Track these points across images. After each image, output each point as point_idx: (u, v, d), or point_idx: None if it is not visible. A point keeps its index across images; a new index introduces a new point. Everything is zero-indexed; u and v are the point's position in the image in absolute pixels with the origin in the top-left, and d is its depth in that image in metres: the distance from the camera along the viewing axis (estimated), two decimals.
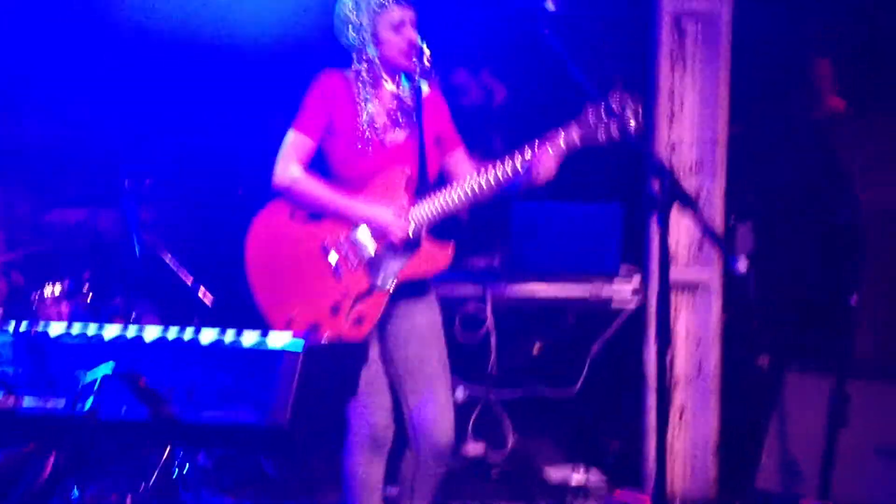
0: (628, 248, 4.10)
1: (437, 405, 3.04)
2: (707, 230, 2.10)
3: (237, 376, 1.59)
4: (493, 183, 2.86)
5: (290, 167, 2.95)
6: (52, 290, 3.68)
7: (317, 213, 2.98)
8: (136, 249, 3.73)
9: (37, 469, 1.51)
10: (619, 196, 4.09)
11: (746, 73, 4.13)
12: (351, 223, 2.97)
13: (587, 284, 4.05)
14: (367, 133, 2.96)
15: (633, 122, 2.66)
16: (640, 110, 2.67)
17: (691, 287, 4.02)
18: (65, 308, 3.77)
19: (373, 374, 3.02)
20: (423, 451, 3.08)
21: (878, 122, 4.28)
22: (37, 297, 3.64)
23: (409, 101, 3.02)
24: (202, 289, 4.01)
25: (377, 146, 2.98)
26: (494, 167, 2.87)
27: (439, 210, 2.93)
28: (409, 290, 3.01)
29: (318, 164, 3.07)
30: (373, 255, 2.94)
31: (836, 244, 4.10)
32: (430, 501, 3.18)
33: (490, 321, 4.02)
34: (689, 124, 3.92)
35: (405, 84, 3.03)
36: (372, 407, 3.02)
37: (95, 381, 1.54)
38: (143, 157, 4.63)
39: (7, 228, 4.20)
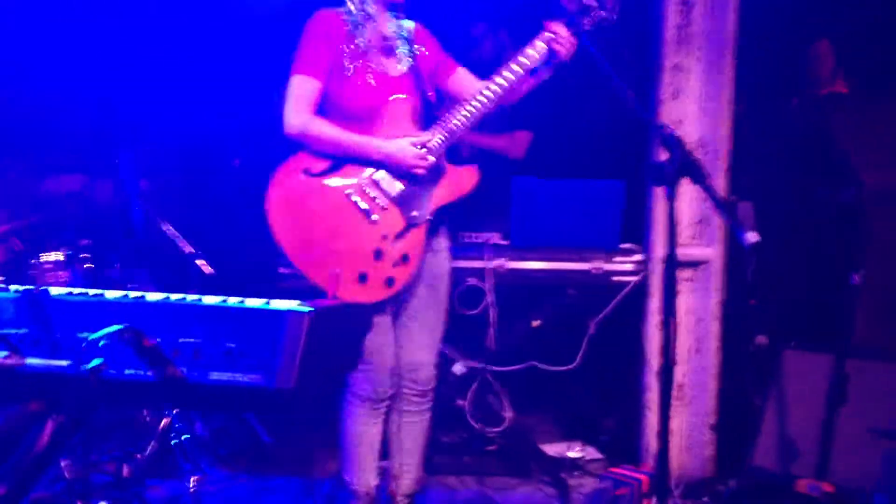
0: (628, 228, 4.09)
1: (426, 351, 3.15)
2: (717, 201, 2.08)
3: (243, 338, 1.58)
4: (515, 74, 2.86)
5: (300, 112, 2.93)
6: (51, 257, 3.65)
7: (332, 164, 2.94)
8: (135, 218, 3.70)
9: (40, 428, 1.50)
10: (619, 175, 4.08)
11: (751, 51, 4.10)
12: (370, 164, 2.94)
13: (588, 260, 4.05)
14: (367, 66, 2.95)
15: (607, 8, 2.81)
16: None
17: (693, 265, 4.01)
18: (63, 276, 3.75)
19: (383, 335, 3.03)
20: (406, 390, 3.18)
21: (880, 104, 4.26)
22: (35, 264, 3.61)
23: (398, 36, 3.02)
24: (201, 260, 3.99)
25: (378, 79, 2.98)
26: (510, 60, 2.89)
27: (457, 127, 2.92)
28: (436, 225, 3.04)
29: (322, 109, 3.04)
30: (401, 191, 2.93)
31: (838, 223, 4.09)
32: (420, 456, 3.23)
33: (490, 296, 4.01)
34: (693, 101, 3.89)
35: (393, 20, 3.02)
36: (376, 366, 3.05)
37: (100, 341, 1.52)
38: (141, 126, 4.60)
39: (3, 197, 4.17)
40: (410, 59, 3.05)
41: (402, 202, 2.95)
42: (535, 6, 2.78)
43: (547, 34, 2.87)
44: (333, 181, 2.95)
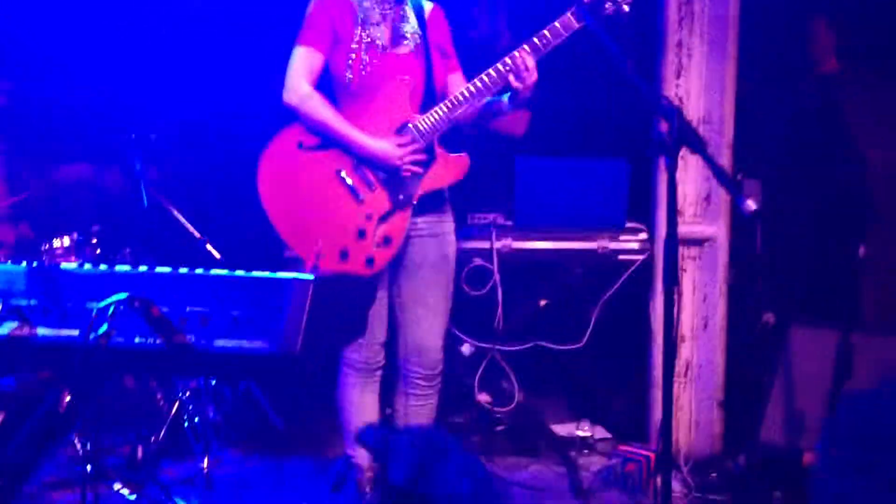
0: (634, 207, 4.10)
1: (432, 334, 3.16)
2: (716, 170, 2.10)
3: (249, 306, 1.61)
4: (501, 71, 2.86)
5: (300, 83, 2.96)
6: (61, 242, 3.70)
7: (325, 140, 2.97)
8: (144, 202, 3.74)
9: (52, 397, 1.53)
10: (624, 153, 4.09)
11: (753, 28, 4.10)
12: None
13: (593, 239, 4.07)
14: (372, 43, 2.97)
15: None
16: None
17: (698, 242, 4.03)
18: (73, 260, 3.79)
19: (374, 308, 3.07)
20: (412, 374, 3.20)
21: (884, 81, 4.26)
22: (46, 249, 3.66)
23: (412, 15, 3.03)
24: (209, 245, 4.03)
25: (383, 57, 2.99)
26: (482, 75, 2.90)
27: (448, 116, 2.94)
28: (430, 204, 3.06)
29: (324, 81, 3.07)
30: (390, 174, 2.97)
31: (842, 198, 4.10)
32: None
33: (497, 276, 4.03)
34: (696, 78, 3.90)
35: None
36: (367, 339, 3.09)
37: (108, 308, 1.56)
38: (148, 112, 4.63)
39: (13, 183, 4.22)
40: (419, 40, 3.05)
41: (389, 184, 2.98)
42: None
43: (507, 60, 2.86)
44: (325, 157, 2.98)
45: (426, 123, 2.97)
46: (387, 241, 2.97)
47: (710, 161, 2.11)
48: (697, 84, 3.92)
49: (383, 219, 2.97)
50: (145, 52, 4.86)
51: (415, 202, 3.00)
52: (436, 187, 3.05)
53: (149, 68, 4.90)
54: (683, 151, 2.18)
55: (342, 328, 1.82)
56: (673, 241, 2.15)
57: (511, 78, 2.84)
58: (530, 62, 2.84)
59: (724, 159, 3.93)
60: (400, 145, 2.96)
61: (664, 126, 2.12)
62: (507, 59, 2.87)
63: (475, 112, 3.03)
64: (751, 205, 2.04)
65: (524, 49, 2.85)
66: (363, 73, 2.98)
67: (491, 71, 2.91)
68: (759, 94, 4.63)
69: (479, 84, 2.91)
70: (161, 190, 4.07)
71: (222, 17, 4.78)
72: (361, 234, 2.95)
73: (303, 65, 2.96)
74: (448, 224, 3.18)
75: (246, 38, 4.80)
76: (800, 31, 4.74)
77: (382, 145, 2.95)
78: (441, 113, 2.96)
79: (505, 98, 3.01)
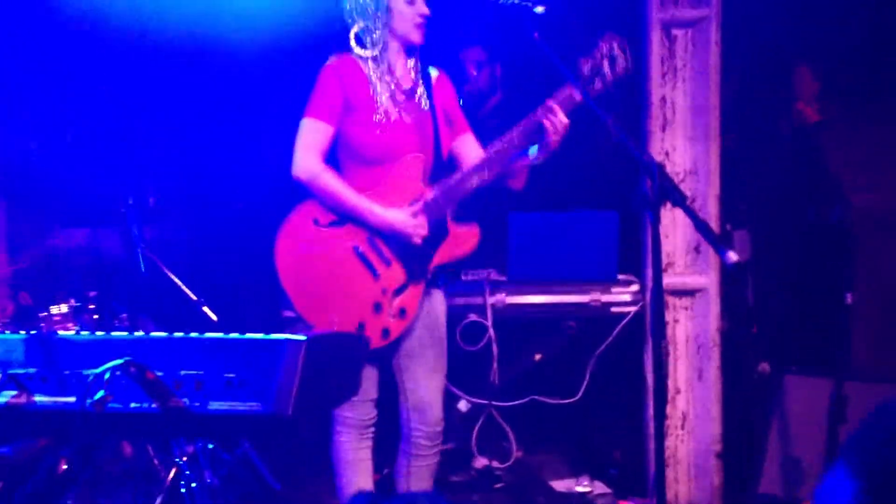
0: (625, 259, 4.15)
1: (431, 391, 3.18)
2: (698, 223, 2.15)
3: (243, 368, 1.64)
4: (509, 147, 2.92)
5: (310, 159, 2.97)
6: (59, 309, 3.73)
7: (341, 217, 3.02)
8: (141, 267, 3.78)
9: (50, 462, 1.56)
10: (614, 206, 4.15)
11: (737, 79, 4.20)
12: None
13: (586, 292, 4.10)
14: (382, 112, 3.00)
15: (622, 61, 2.84)
16: (628, 49, 2.84)
17: (689, 293, 4.07)
18: (71, 327, 3.82)
19: (367, 368, 3.10)
20: (415, 433, 3.21)
21: (864, 127, 4.35)
22: (44, 316, 3.69)
23: (419, 82, 3.09)
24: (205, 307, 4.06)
25: (393, 126, 3.02)
26: (508, 133, 2.95)
27: (458, 191, 2.99)
28: (437, 276, 3.12)
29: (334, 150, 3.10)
30: (404, 248, 3.01)
31: (828, 245, 4.15)
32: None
33: (491, 332, 4.06)
34: (681, 131, 3.98)
35: (413, 65, 3.10)
36: (359, 397, 3.11)
37: (104, 374, 1.59)
38: (146, 175, 4.70)
39: (12, 250, 4.27)
40: (427, 108, 3.10)
41: (405, 258, 3.03)
42: (532, 42, 2.81)
43: (541, 111, 2.93)
44: (341, 234, 3.03)
45: (440, 197, 3.01)
46: (402, 312, 3.03)
47: (691, 214, 2.16)
48: (683, 137, 4.00)
49: (398, 292, 3.02)
50: (143, 117, 4.96)
51: (429, 276, 3.06)
52: (449, 260, 3.11)
53: (148, 132, 4.99)
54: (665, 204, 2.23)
55: (336, 387, 1.85)
56: (658, 294, 2.19)
57: (548, 127, 2.88)
58: (561, 116, 2.89)
59: (712, 210, 3.99)
60: (414, 214, 3.01)
61: (647, 182, 2.18)
62: (533, 118, 2.91)
63: (497, 173, 3.05)
64: (732, 256, 2.09)
65: (548, 106, 2.90)
66: (376, 144, 3.02)
67: (520, 127, 2.95)
68: (744, 144, 4.72)
69: (496, 153, 2.95)
70: (158, 252, 4.12)
71: (218, 84, 4.89)
72: (378, 307, 3.00)
73: (312, 139, 2.98)
74: (440, 289, 3.22)
75: (242, 106, 4.91)
76: (781, 79, 4.85)
77: (397, 215, 3.00)
78: (455, 183, 3.00)
79: (532, 150, 3.04)
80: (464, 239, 3.11)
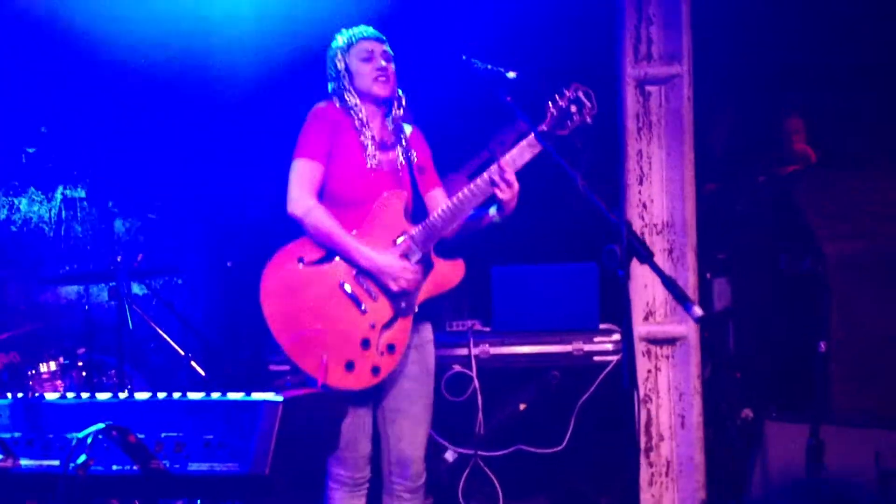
0: (608, 308, 4.22)
1: (415, 446, 3.19)
2: (664, 279, 2.22)
3: (222, 429, 1.70)
4: (482, 185, 3.01)
5: (304, 195, 3.06)
6: (48, 367, 3.78)
7: (326, 253, 3.06)
8: (129, 323, 3.83)
9: None
10: (595, 258, 4.23)
11: (711, 131, 4.32)
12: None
13: (568, 342, 4.17)
14: (365, 155, 3.11)
15: (588, 106, 2.93)
16: (592, 94, 2.93)
17: (670, 341, 4.13)
18: (60, 384, 3.86)
19: (359, 427, 3.13)
20: (396, 486, 3.22)
21: (842, 177, 4.46)
22: (33, 374, 3.74)
23: (394, 136, 3.20)
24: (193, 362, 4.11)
25: (374, 170, 3.12)
26: (481, 173, 3.03)
27: (442, 224, 3.06)
28: (423, 312, 3.15)
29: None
30: None
31: (801, 293, 4.23)
32: None
33: (476, 382, 4.11)
34: (657, 184, 4.08)
35: (389, 121, 3.21)
36: (352, 454, 3.12)
37: (87, 438, 1.65)
38: (133, 231, 4.78)
39: (3, 309, 4.32)
40: (403, 160, 3.22)
41: (391, 293, 3.07)
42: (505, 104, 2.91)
43: (485, 176, 3.02)
44: (327, 271, 3.07)
45: (422, 233, 3.09)
46: (391, 348, 3.04)
47: (658, 271, 2.24)
48: (659, 190, 4.10)
49: (386, 326, 3.05)
50: (130, 175, 5.05)
51: (416, 309, 3.09)
52: (435, 293, 3.15)
53: (137, 193, 5.08)
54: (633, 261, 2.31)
55: (314, 446, 1.91)
56: (629, 347, 2.26)
57: (496, 190, 2.98)
58: (509, 176, 2.99)
59: (690, 260, 4.08)
60: (402, 256, 3.07)
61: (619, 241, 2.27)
62: (486, 175, 3.01)
63: (461, 224, 3.14)
64: (697, 311, 2.16)
65: (499, 165, 2.99)
66: (357, 187, 3.11)
67: (477, 182, 3.04)
68: (726, 194, 4.82)
69: (465, 194, 3.04)
70: (146, 308, 4.18)
71: (208, 133, 5.00)
72: (366, 343, 3.01)
73: (305, 176, 3.08)
74: (428, 334, 3.26)
75: (232, 153, 5.01)
76: (756, 130, 4.98)
77: (387, 259, 3.05)
78: (435, 221, 3.08)
79: (492, 210, 3.13)
80: (450, 272, 3.16)
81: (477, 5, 4.73)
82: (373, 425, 3.23)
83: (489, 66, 2.91)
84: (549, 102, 2.97)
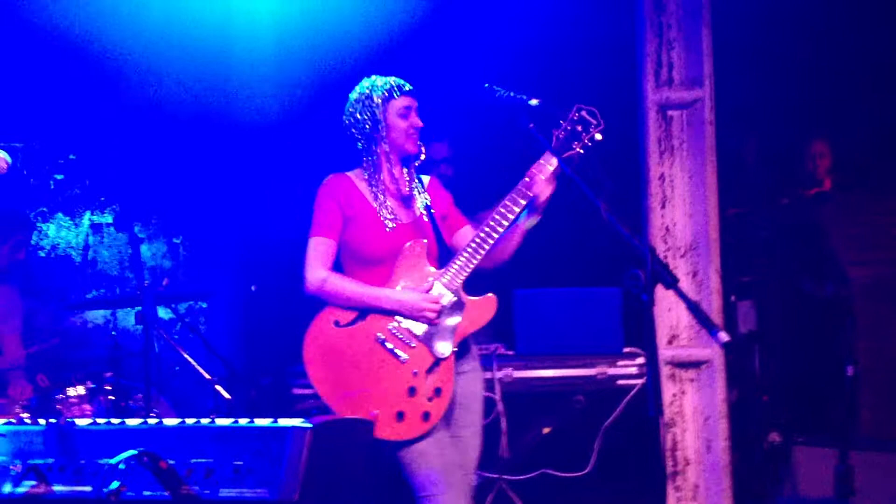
0: (632, 332, 4.21)
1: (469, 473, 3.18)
2: (689, 304, 2.22)
3: (251, 455, 1.71)
4: (503, 219, 3.03)
5: (316, 271, 3.14)
6: (76, 390, 3.81)
7: (359, 313, 3.12)
8: (155, 348, 3.86)
9: None
10: (617, 281, 4.22)
11: (735, 155, 4.32)
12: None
13: (593, 366, 4.16)
14: (381, 218, 3.15)
15: (594, 124, 2.98)
16: (597, 112, 2.98)
17: (695, 365, 4.11)
18: (87, 408, 3.90)
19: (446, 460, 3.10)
20: None
21: (863, 199, 4.44)
22: (61, 398, 3.77)
23: (413, 188, 3.22)
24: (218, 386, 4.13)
25: (394, 228, 3.16)
26: (500, 206, 3.05)
27: (468, 265, 3.08)
28: (463, 349, 3.17)
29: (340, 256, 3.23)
30: (426, 329, 3.09)
31: (827, 317, 4.21)
32: None
33: (500, 406, 4.11)
34: (680, 207, 4.08)
35: (408, 173, 3.23)
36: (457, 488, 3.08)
37: (118, 465, 1.67)
38: (159, 256, 4.83)
39: (29, 335, 4.38)
40: (424, 212, 3.25)
41: (427, 339, 3.10)
42: (503, 130, 2.94)
43: (526, 180, 3.05)
44: (362, 328, 3.12)
45: (450, 273, 3.13)
46: (437, 391, 3.07)
47: (682, 296, 2.24)
48: (682, 213, 4.09)
49: (429, 371, 3.08)
50: (156, 201, 5.12)
51: (455, 349, 3.12)
52: (471, 331, 3.18)
53: (159, 216, 5.15)
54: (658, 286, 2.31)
55: (344, 472, 1.91)
56: (653, 373, 2.26)
57: (532, 190, 3.01)
58: (539, 181, 3.03)
59: (714, 283, 4.06)
60: (426, 290, 3.11)
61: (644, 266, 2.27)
62: (512, 193, 3.04)
63: (494, 249, 3.14)
64: (723, 336, 2.16)
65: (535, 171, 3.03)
66: (378, 244, 3.15)
67: (504, 202, 3.06)
68: (745, 219, 4.81)
69: (493, 219, 3.06)
70: (171, 334, 4.22)
71: (229, 160, 5.06)
72: (412, 391, 3.04)
73: (317, 255, 3.16)
74: (472, 361, 3.25)
75: (259, 186, 5.07)
76: (780, 154, 4.97)
77: (406, 294, 3.10)
78: (463, 259, 3.11)
79: (521, 217, 3.14)
80: (483, 307, 3.18)
81: (498, 33, 4.77)
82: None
83: (512, 94, 2.94)
84: (553, 130, 3.02)
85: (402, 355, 3.07)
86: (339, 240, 3.18)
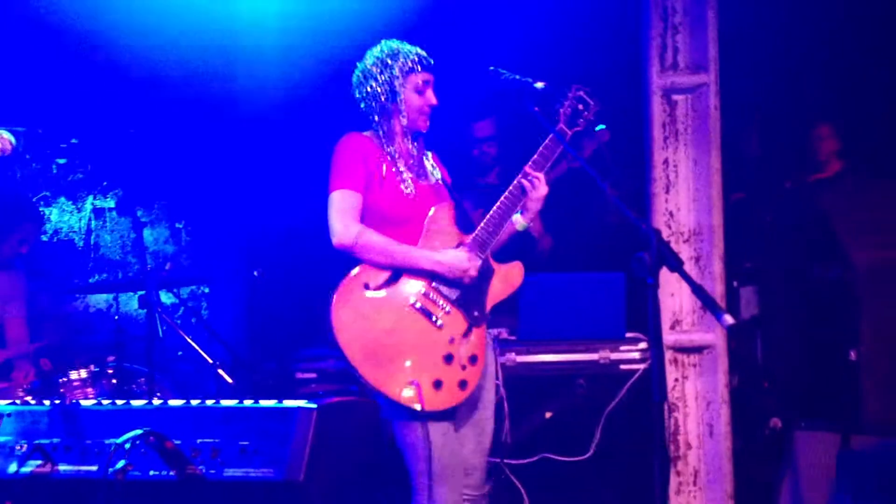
0: (634, 316, 4.21)
1: (479, 451, 3.16)
2: (694, 287, 2.22)
3: (257, 435, 1.72)
4: (515, 192, 3.03)
5: (348, 223, 3.00)
6: (79, 374, 3.82)
7: (391, 275, 3.00)
8: (159, 332, 3.86)
9: None
10: (620, 267, 4.22)
11: (739, 140, 4.30)
12: (424, 273, 3.02)
13: (595, 350, 4.16)
14: (402, 179, 3.08)
15: (591, 103, 3.03)
16: (591, 92, 3.06)
17: (697, 350, 4.11)
18: (90, 392, 3.90)
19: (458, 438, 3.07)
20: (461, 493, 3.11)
21: (871, 185, 4.43)
22: (64, 381, 3.78)
23: (422, 160, 3.20)
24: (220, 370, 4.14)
25: (416, 188, 3.10)
26: (535, 156, 3.05)
27: (496, 227, 3.04)
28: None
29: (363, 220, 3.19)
30: (459, 294, 3.04)
31: (830, 302, 4.20)
32: None
33: (502, 390, 4.10)
34: (684, 192, 4.07)
35: (416, 147, 3.20)
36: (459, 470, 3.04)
37: (125, 444, 1.67)
38: (162, 241, 4.83)
39: (32, 319, 4.38)
40: (437, 178, 3.20)
41: (462, 304, 3.03)
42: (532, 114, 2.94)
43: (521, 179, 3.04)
44: (395, 291, 3.00)
45: (476, 241, 3.06)
46: (472, 359, 2.99)
47: (688, 279, 2.23)
48: (686, 198, 4.08)
49: (464, 337, 3.00)
50: (159, 185, 5.11)
51: (488, 315, 3.09)
52: (501, 297, 3.13)
53: (161, 200, 5.14)
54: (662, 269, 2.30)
55: (349, 452, 1.92)
56: (657, 358, 2.26)
57: (526, 185, 3.01)
58: (533, 178, 3.02)
59: (717, 269, 4.06)
60: (465, 251, 3.02)
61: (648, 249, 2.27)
62: (515, 181, 3.03)
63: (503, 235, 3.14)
64: (728, 319, 2.15)
65: (530, 167, 3.02)
66: (404, 204, 3.07)
67: (510, 189, 3.06)
68: (754, 202, 4.80)
69: (502, 202, 3.05)
70: (174, 318, 4.22)
71: (236, 144, 5.05)
72: (449, 358, 2.94)
73: (345, 208, 3.02)
74: (488, 338, 3.19)
75: (258, 171, 5.06)
76: (784, 138, 4.95)
77: (450, 253, 3.02)
78: (490, 226, 3.06)
79: (516, 216, 3.12)
80: (511, 274, 3.13)
81: (503, 17, 4.75)
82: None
83: (517, 77, 2.92)
84: (557, 107, 3.03)
85: (439, 321, 2.97)
86: (364, 195, 3.06)
